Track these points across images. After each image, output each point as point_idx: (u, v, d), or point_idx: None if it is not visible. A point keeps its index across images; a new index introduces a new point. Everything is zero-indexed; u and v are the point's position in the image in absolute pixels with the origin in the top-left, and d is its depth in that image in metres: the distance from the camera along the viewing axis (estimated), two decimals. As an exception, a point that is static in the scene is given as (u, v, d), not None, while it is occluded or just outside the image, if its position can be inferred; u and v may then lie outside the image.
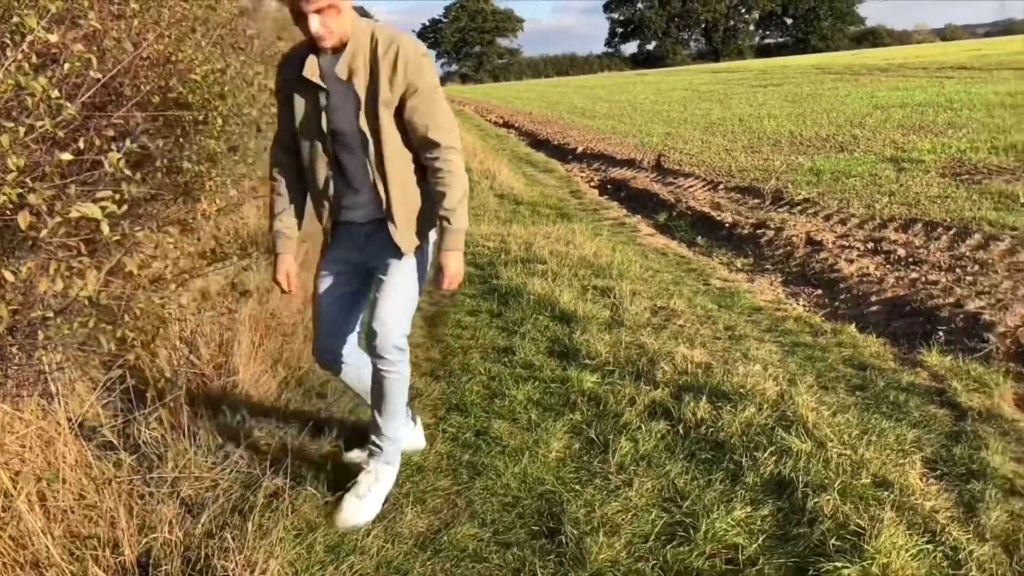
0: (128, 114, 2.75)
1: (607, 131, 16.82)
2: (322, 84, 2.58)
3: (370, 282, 2.86)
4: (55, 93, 2.03)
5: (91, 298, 2.09)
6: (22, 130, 1.95)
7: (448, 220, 2.63)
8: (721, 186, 9.12)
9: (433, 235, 2.82)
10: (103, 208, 1.90)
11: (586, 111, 23.74)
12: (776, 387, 3.52)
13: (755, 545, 2.48)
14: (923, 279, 5.06)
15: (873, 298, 4.92)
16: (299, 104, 2.65)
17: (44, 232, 1.98)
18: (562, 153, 14.64)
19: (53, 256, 2.13)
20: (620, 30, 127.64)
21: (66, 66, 2.26)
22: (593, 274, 5.66)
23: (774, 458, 2.92)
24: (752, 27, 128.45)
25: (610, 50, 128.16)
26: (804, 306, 5.06)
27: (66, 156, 2.04)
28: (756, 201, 8.15)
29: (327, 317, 2.86)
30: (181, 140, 3.11)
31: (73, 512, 2.46)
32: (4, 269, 1.97)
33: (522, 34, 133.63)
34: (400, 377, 2.79)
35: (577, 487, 2.87)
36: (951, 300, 4.56)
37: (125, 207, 2.45)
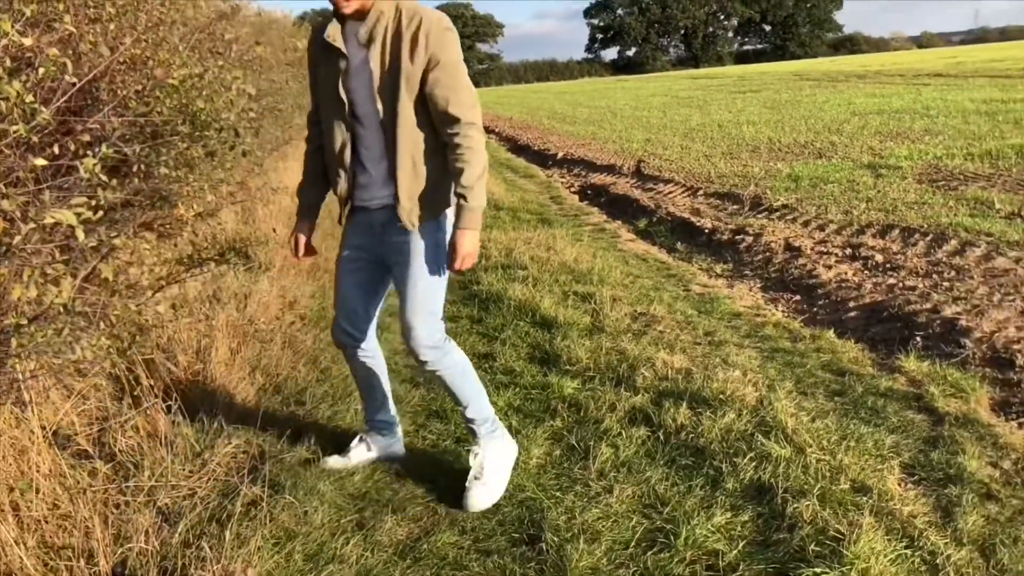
0: (104, 119, 2.72)
1: (587, 137, 16.86)
2: (342, 49, 2.59)
3: (390, 271, 2.86)
4: (29, 98, 2.01)
5: (66, 305, 2.07)
6: (-5, 135, 1.93)
7: (465, 197, 2.56)
8: (701, 192, 9.16)
9: (450, 215, 2.75)
10: (78, 215, 1.87)
11: (566, 117, 23.81)
12: (755, 393, 3.53)
13: (735, 551, 2.49)
14: (900, 285, 5.11)
15: (851, 304, 4.96)
16: (321, 70, 2.71)
17: (17, 239, 1.95)
18: (542, 158, 14.66)
19: (27, 263, 2.10)
20: (600, 36, 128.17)
21: (41, 70, 2.23)
22: (574, 280, 5.67)
23: (754, 464, 2.93)
24: (731, 34, 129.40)
25: (590, 56, 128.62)
26: (783, 312, 5.09)
27: (40, 161, 2.01)
28: (735, 207, 8.19)
29: (346, 301, 2.91)
30: (159, 146, 3.08)
31: (47, 522, 2.42)
32: (-24, 276, 1.94)
33: (502, 39, 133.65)
34: (450, 371, 2.80)
35: (558, 494, 2.86)
36: (928, 306, 4.60)
37: (101, 213, 2.42)
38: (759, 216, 7.61)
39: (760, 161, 10.68)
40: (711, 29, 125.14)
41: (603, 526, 2.65)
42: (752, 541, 2.55)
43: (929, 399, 3.48)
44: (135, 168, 2.97)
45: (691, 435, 3.20)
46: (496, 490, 2.85)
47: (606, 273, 5.80)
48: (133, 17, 3.15)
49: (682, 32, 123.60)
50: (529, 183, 11.74)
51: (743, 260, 6.35)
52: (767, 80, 34.30)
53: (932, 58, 45.53)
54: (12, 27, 1.97)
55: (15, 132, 1.96)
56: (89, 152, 2.47)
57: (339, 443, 3.20)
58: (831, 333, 4.42)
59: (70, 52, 2.65)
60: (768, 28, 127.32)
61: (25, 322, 2.20)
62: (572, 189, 11.03)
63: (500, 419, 3.47)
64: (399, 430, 3.24)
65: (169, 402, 3.14)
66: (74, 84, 2.44)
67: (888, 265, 5.57)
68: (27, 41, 2.09)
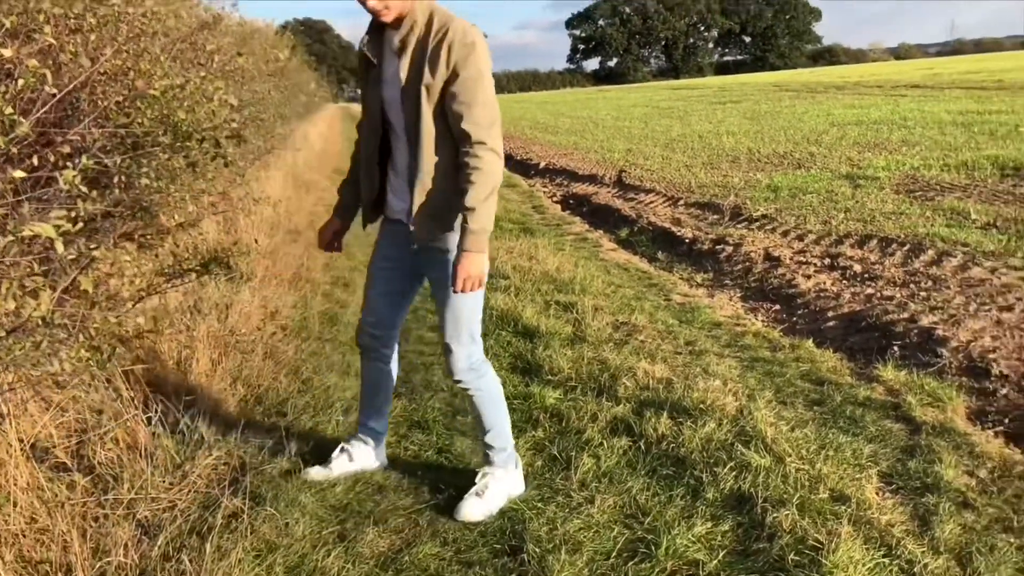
0: (85, 130, 2.71)
1: (569, 147, 16.92)
2: (378, 57, 2.62)
3: (420, 279, 2.89)
4: (8, 109, 2.00)
5: (44, 318, 2.06)
6: (-26, 147, 1.92)
7: (466, 219, 2.50)
8: (681, 202, 9.22)
9: None
10: (57, 227, 1.87)
11: (548, 127, 23.89)
12: (735, 402, 3.56)
13: (715, 561, 2.50)
14: (878, 295, 5.16)
15: (830, 313, 5.00)
16: (364, 78, 2.73)
17: (-4, 251, 1.94)
18: (525, 168, 14.69)
19: (5, 275, 2.09)
20: (582, 47, 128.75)
21: (20, 81, 2.22)
22: (556, 289, 5.68)
23: (734, 473, 2.95)
24: (711, 45, 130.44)
25: (572, 66, 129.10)
26: (763, 321, 5.12)
27: (19, 173, 2.01)
28: (715, 217, 8.24)
29: (374, 307, 2.92)
30: (140, 157, 3.07)
31: (24, 536, 2.40)
32: (-46, 288, 1.93)
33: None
34: (483, 394, 2.83)
35: (539, 505, 2.86)
36: (906, 315, 4.64)
37: (81, 224, 2.41)
38: (739, 226, 7.67)
39: (740, 171, 10.76)
40: (691, 40, 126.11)
41: (585, 536, 2.66)
42: (732, 551, 2.56)
43: (907, 408, 3.51)
44: (116, 179, 2.96)
45: (672, 445, 3.21)
46: (491, 508, 2.84)
47: (588, 282, 5.82)
48: (114, 28, 3.15)
49: (663, 43, 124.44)
50: (512, 193, 11.77)
51: (723, 270, 6.40)
52: (747, 91, 34.56)
53: (909, 69, 46.04)
54: (-8, 39, 1.96)
55: (-6, 144, 1.95)
56: (69, 163, 2.46)
57: (321, 454, 3.19)
58: (810, 342, 4.46)
59: (50, 63, 2.64)
60: (748, 39, 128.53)
61: (3, 334, 2.19)
62: (554, 199, 11.07)
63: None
64: (384, 441, 3.24)
65: (149, 414, 3.12)
66: (54, 95, 2.43)
67: (866, 275, 5.62)
68: (7, 52, 2.09)
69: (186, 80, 3.20)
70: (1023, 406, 3.52)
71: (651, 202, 9.48)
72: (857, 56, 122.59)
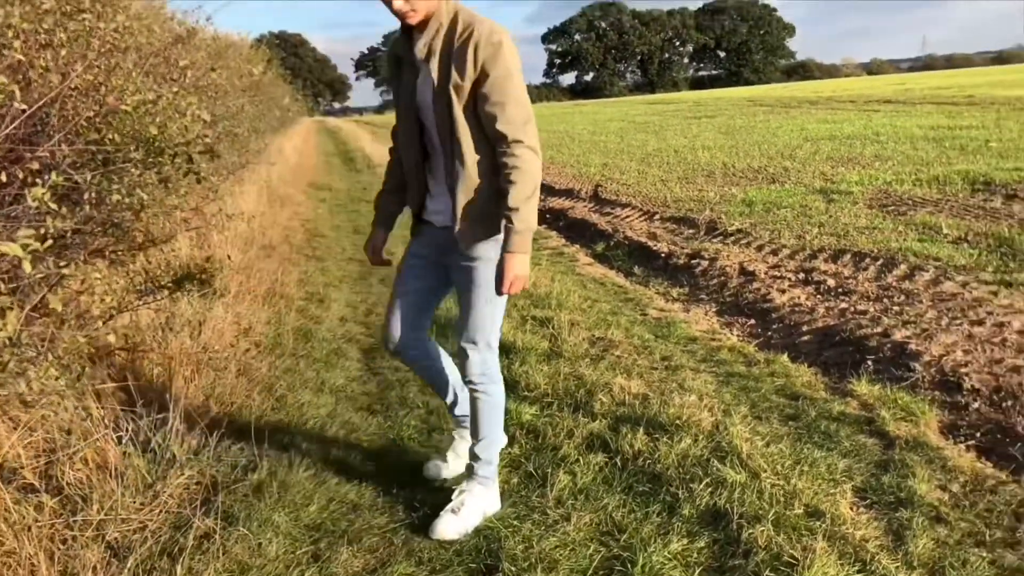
0: (55, 146, 2.68)
1: (546, 161, 16.94)
2: (409, 61, 2.61)
3: (448, 280, 2.86)
4: (-24, 126, 1.97)
5: (11, 338, 2.02)
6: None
7: (511, 219, 2.49)
8: (657, 216, 9.26)
9: None
10: (25, 246, 1.84)
11: (525, 140, 23.88)
12: (711, 418, 3.56)
13: (691, 578, 2.49)
14: (852, 309, 5.20)
15: (804, 328, 5.03)
16: (395, 85, 2.71)
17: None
18: (501, 182, 14.67)
19: (-28, 294, 2.05)
20: (558, 61, 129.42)
21: (-12, 98, 2.19)
22: (532, 304, 5.68)
23: (709, 490, 2.95)
24: (686, 60, 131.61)
25: (548, 80, 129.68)
26: (738, 336, 5.15)
27: (-13, 191, 1.98)
28: (691, 231, 8.29)
29: (397, 309, 2.90)
30: (111, 173, 3.04)
31: (-10, 560, 2.36)
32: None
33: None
34: (489, 399, 2.82)
35: (515, 522, 2.85)
36: (879, 330, 4.68)
37: (50, 241, 2.38)
38: (714, 240, 7.71)
39: (715, 186, 10.83)
40: (667, 55, 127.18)
41: (561, 554, 2.64)
42: (708, 568, 2.56)
43: (880, 423, 3.54)
44: (86, 196, 2.93)
45: (648, 461, 3.21)
46: (466, 527, 2.82)
47: (564, 297, 5.83)
48: (85, 43, 3.12)
49: (639, 58, 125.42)
50: (488, 207, 11.75)
51: (699, 284, 6.42)
52: (722, 106, 34.86)
53: (882, 85, 46.67)
54: (-42, 55, 1.94)
55: (-40, 161, 1.92)
56: (38, 180, 2.43)
57: (295, 471, 3.16)
58: (785, 357, 4.48)
59: (20, 78, 2.61)
60: (723, 54, 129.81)
61: (-31, 354, 2.15)
62: (531, 213, 11.06)
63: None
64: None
65: (120, 433, 3.08)
66: (24, 111, 2.41)
67: (840, 289, 5.67)
68: (-26, 69, 2.06)
69: (158, 95, 3.18)
70: (994, 420, 3.55)
71: (627, 216, 9.52)
72: (830, 71, 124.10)
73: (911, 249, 6.45)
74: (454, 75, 2.49)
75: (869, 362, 4.31)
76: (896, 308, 5.08)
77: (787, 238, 7.35)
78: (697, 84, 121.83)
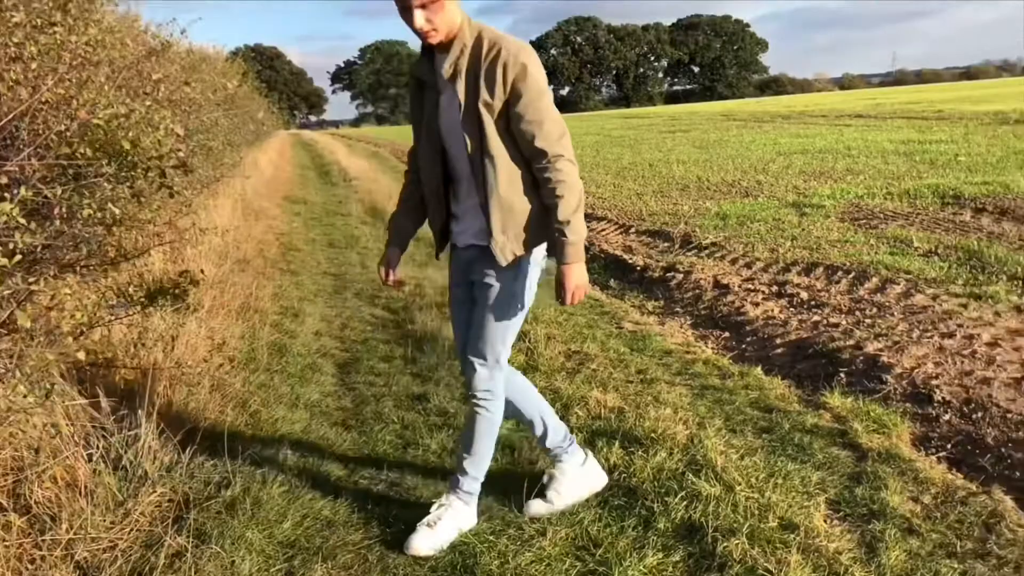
0: (25, 161, 2.65)
1: (522, 174, 16.96)
2: (431, 82, 2.60)
3: None
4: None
5: (-21, 355, 1.99)
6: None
7: (563, 233, 2.54)
8: (633, 230, 9.31)
9: (537, 256, 2.73)
10: (-7, 262, 1.82)
11: (501, 154, 23.94)
12: (686, 431, 3.58)
13: (667, 592, 2.50)
14: (825, 322, 5.24)
15: (778, 340, 5.07)
16: (417, 106, 2.72)
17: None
18: (477, 196, 14.70)
19: (-62, 310, 2.02)
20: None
21: (-44, 112, 2.17)
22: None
23: (685, 503, 2.95)
24: (661, 74, 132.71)
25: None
26: (713, 348, 5.17)
27: (-46, 206, 1.95)
28: (666, 245, 8.34)
29: (460, 337, 2.89)
30: (83, 188, 3.01)
31: (-44, 581, 2.31)
32: None
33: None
34: (488, 417, 2.80)
35: (491, 538, 2.84)
36: (851, 342, 4.73)
37: (19, 257, 2.35)
38: (689, 254, 7.76)
39: (690, 200, 10.91)
40: (642, 70, 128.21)
41: (536, 570, 2.64)
42: (683, 581, 2.56)
43: (853, 435, 3.56)
44: (57, 210, 2.90)
45: (623, 475, 3.22)
46: (440, 542, 2.80)
47: (540, 311, 5.83)
48: (56, 56, 3.10)
49: (614, 72, 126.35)
50: (464, 221, 11.75)
51: (674, 297, 6.46)
52: (696, 120, 35.15)
53: (853, 99, 47.28)
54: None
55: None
56: (7, 195, 2.41)
57: (270, 486, 3.13)
58: (759, 370, 4.51)
59: (-11, 92, 2.59)
60: (697, 69, 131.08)
61: (-65, 372, 2.12)
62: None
63: (434, 462, 3.46)
64: (585, 451, 3.14)
65: (90, 450, 3.04)
66: (-8, 125, 2.38)
67: (813, 302, 5.72)
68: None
69: (131, 110, 3.16)
70: (964, 431, 3.59)
71: (603, 230, 9.56)
72: (802, 86, 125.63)
73: (882, 262, 6.53)
74: (484, 93, 2.50)
75: (842, 374, 4.34)
76: (868, 321, 5.13)
77: (760, 251, 7.41)
78: (672, 98, 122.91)
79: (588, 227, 3.04)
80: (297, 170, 22.59)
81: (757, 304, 5.82)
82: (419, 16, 2.43)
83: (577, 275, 2.59)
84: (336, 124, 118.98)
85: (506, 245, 2.62)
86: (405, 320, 5.79)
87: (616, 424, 3.70)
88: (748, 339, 5.25)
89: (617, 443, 3.44)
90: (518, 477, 3.25)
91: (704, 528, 2.79)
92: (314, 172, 22.31)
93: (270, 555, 2.75)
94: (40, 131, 2.93)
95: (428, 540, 2.79)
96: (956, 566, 2.59)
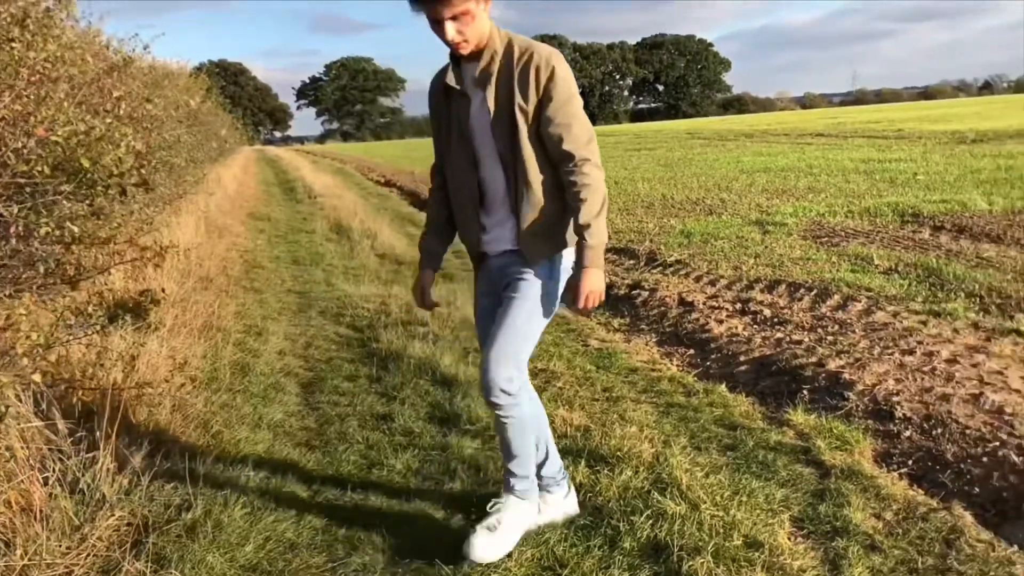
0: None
1: (488, 191, 16.99)
2: (461, 91, 2.59)
3: None
4: None
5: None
6: None
7: (584, 236, 2.53)
8: (598, 247, 9.33)
9: (568, 261, 2.73)
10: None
11: (467, 171, 23.98)
12: (652, 449, 3.58)
13: (633, 612, 2.49)
14: (788, 339, 5.29)
15: (742, 357, 5.11)
16: (443, 117, 2.70)
17: None
18: (444, 213, 14.68)
19: None
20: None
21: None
22: (475, 336, 5.65)
23: (650, 522, 2.95)
24: (626, 93, 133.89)
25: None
26: (678, 366, 5.20)
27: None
28: (631, 262, 8.38)
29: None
30: (40, 206, 2.96)
31: (-96, 611, 2.25)
32: None
33: (404, 94, 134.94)
34: (514, 421, 2.72)
35: (455, 558, 2.81)
36: (814, 359, 4.77)
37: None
38: (654, 271, 7.81)
39: (654, 217, 10.99)
40: (607, 88, 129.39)
41: (502, 591, 2.62)
42: (649, 601, 2.56)
43: (816, 452, 3.59)
44: (12, 229, 2.85)
45: (589, 494, 3.21)
46: (503, 547, 2.76)
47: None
48: (14, 72, 3.05)
49: (580, 90, 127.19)
50: (430, 238, 11.73)
51: (639, 315, 6.49)
52: (661, 138, 35.50)
53: (815, 118, 48.03)
54: None
55: None
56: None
57: (231, 508, 3.08)
58: (723, 387, 4.54)
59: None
60: (661, 88, 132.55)
61: None
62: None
63: (398, 483, 3.43)
64: (569, 486, 3.11)
65: (46, 473, 2.98)
66: (-54, 143, 2.33)
67: (776, 319, 5.77)
68: None
69: (91, 127, 3.12)
70: (925, 447, 3.64)
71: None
72: (765, 105, 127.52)
73: (844, 280, 6.61)
74: (518, 98, 2.52)
75: (804, 391, 4.38)
76: (830, 338, 5.19)
77: (724, 269, 7.48)
78: (637, 117, 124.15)
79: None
80: (261, 186, 22.44)
81: (721, 321, 5.86)
82: (451, 28, 2.45)
83: (594, 280, 2.57)
84: (301, 140, 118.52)
85: (535, 245, 2.64)
86: (370, 339, 5.75)
87: (582, 442, 3.69)
88: (713, 356, 5.29)
89: (583, 462, 3.44)
90: (484, 498, 3.23)
91: (670, 547, 2.79)
92: (279, 188, 22.17)
93: (231, 579, 2.70)
94: (-4, 148, 2.88)
95: (491, 548, 2.74)
96: (918, 582, 2.61)
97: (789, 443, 3.73)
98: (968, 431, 3.68)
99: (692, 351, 5.48)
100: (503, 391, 2.62)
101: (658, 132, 43.31)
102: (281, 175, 28.42)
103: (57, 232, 3.20)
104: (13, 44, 3.06)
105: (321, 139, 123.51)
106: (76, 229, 3.26)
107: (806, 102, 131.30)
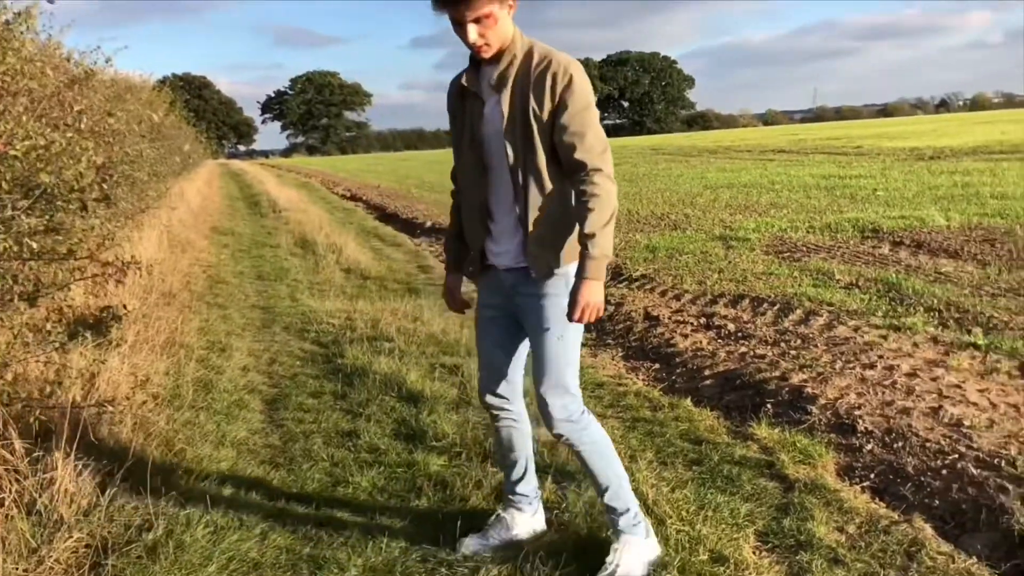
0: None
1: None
2: (476, 93, 2.57)
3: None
4: None
5: None
6: None
7: (586, 246, 2.43)
8: (564, 262, 9.37)
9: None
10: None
11: (435, 186, 24.01)
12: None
13: (600, 629, 2.49)
14: (751, 353, 5.35)
15: (707, 372, 5.15)
16: (459, 119, 2.68)
17: None
18: (411, 227, 14.69)
19: None
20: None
21: None
22: (441, 351, 5.66)
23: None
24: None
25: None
26: (644, 380, 5.22)
27: None
28: (598, 277, 8.41)
29: (487, 362, 2.84)
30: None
31: None
32: None
33: (370, 108, 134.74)
34: (590, 447, 2.69)
35: (422, 577, 2.80)
36: (777, 373, 4.82)
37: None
38: (620, 286, 7.85)
39: (620, 232, 11.05)
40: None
41: (469, 609, 2.60)
42: (616, 617, 2.55)
43: (780, 466, 3.62)
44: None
45: (556, 511, 3.21)
46: None
47: (474, 344, 5.80)
48: (-28, 86, 3.01)
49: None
50: (397, 252, 11.72)
51: (605, 329, 6.51)
52: (626, 154, 35.75)
53: (777, 135, 48.74)
54: None
55: None
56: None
57: (194, 530, 3.04)
58: (688, 401, 4.57)
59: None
60: (626, 104, 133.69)
61: None
62: (440, 258, 11.08)
63: (364, 500, 3.40)
64: (539, 504, 3.09)
65: (2, 495, 2.91)
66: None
67: (740, 334, 5.83)
68: None
69: (50, 141, 3.08)
70: (886, 461, 3.68)
71: (535, 262, 9.61)
72: (728, 121, 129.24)
73: (806, 294, 6.70)
74: (532, 103, 2.49)
75: (768, 405, 4.43)
76: (793, 352, 5.25)
77: (689, 284, 7.54)
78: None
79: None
80: (226, 201, 22.24)
81: (686, 336, 5.91)
82: (472, 31, 2.43)
83: (593, 292, 2.46)
84: (266, 154, 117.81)
85: (541, 257, 2.58)
86: (335, 354, 5.71)
87: (549, 459, 3.69)
88: (678, 371, 5.32)
89: (550, 478, 3.44)
90: (450, 515, 3.21)
91: (636, 563, 2.79)
92: (243, 203, 21.99)
93: (193, 601, 2.66)
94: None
95: None
96: (880, 595, 2.64)
97: (753, 457, 3.76)
98: (928, 444, 3.74)
99: (658, 365, 5.51)
100: (564, 420, 2.63)
101: (623, 148, 43.63)
102: (246, 189, 28.20)
103: (15, 248, 3.14)
104: (-29, 57, 3.02)
105: (286, 153, 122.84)
106: (35, 245, 3.21)
107: (768, 119, 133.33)
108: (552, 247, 2.59)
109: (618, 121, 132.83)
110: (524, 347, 2.86)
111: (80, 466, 3.39)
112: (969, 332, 5.40)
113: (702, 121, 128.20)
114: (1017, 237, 8.60)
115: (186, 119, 21.35)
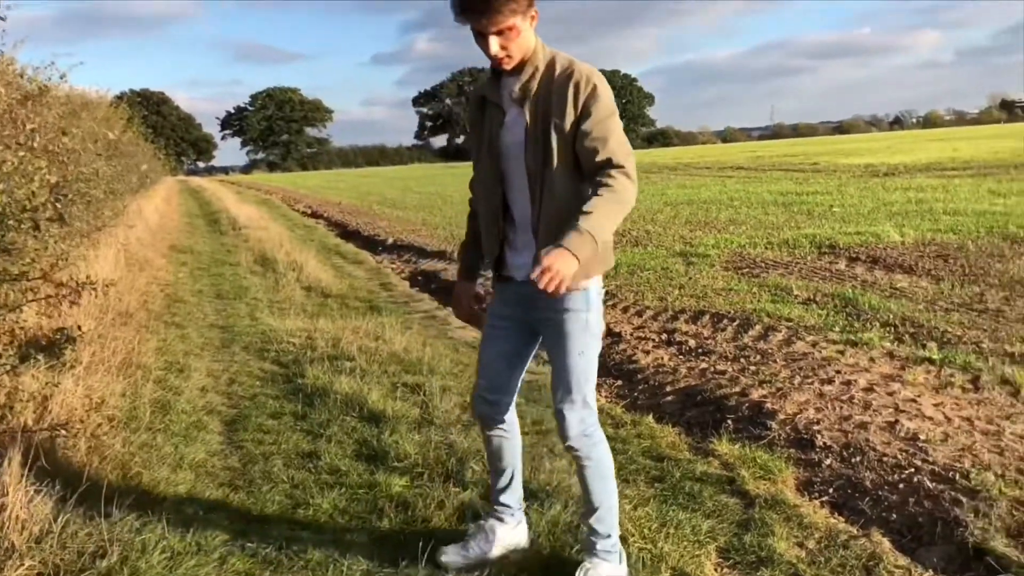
0: None
1: (418, 223, 17.02)
2: (497, 104, 2.55)
3: (534, 337, 2.76)
4: None
5: None
6: None
7: (579, 219, 2.29)
8: (527, 279, 9.38)
9: (598, 284, 2.66)
10: None
11: (397, 202, 24.00)
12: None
13: (563, 649, 2.48)
14: (712, 369, 5.39)
15: (668, 388, 5.18)
16: (479, 129, 2.66)
17: None
18: (372, 244, 14.64)
19: None
20: (430, 124, 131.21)
21: None
22: (403, 370, 5.63)
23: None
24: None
25: (420, 142, 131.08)
26: (606, 397, 5.24)
27: None
28: (560, 294, 8.43)
29: (488, 371, 2.81)
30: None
31: None
32: None
33: (331, 124, 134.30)
34: (595, 465, 2.68)
35: (384, 600, 2.77)
36: (737, 389, 4.87)
37: None
38: (582, 303, 7.86)
39: (582, 249, 11.10)
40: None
41: (431, 632, 2.58)
42: (579, 637, 2.55)
43: (741, 482, 3.65)
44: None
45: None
46: None
47: (436, 362, 5.80)
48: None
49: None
50: (358, 269, 11.67)
51: (568, 347, 6.52)
52: (588, 169, 35.96)
53: (735, 152, 49.43)
54: None
55: None
56: None
57: (150, 554, 2.98)
58: (650, 418, 4.59)
59: None
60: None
61: None
62: (403, 275, 11.06)
63: (325, 522, 3.37)
64: (523, 516, 3.06)
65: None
66: None
67: (700, 350, 5.88)
68: None
69: (2, 160, 3.03)
70: (845, 475, 3.73)
71: (497, 279, 9.61)
72: (687, 138, 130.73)
73: (765, 310, 6.78)
74: (555, 116, 2.47)
75: (729, 421, 4.46)
76: (752, 368, 5.31)
77: (650, 300, 7.59)
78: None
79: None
80: (184, 218, 21.99)
81: (648, 352, 5.94)
82: (494, 43, 2.41)
83: (564, 262, 2.23)
84: (226, 170, 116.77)
85: None
86: (295, 374, 5.66)
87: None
88: (640, 387, 5.35)
89: (512, 497, 3.43)
90: (413, 536, 3.19)
91: (599, 582, 2.79)
92: (202, 220, 21.74)
93: (149, 629, 2.61)
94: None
95: None
96: (840, 609, 2.66)
97: (715, 473, 3.78)
98: (885, 458, 3.79)
99: (620, 382, 5.53)
100: (580, 435, 2.63)
101: (585, 164, 43.94)
102: (205, 206, 27.90)
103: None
104: (-80, 75, 2.96)
105: (246, 169, 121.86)
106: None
107: (726, 136, 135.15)
108: None
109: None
110: (526, 361, 2.88)
111: (32, 492, 3.31)
112: (924, 347, 5.50)
113: (662, 138, 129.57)
114: (969, 252, 8.79)
115: (144, 135, 21.08)
